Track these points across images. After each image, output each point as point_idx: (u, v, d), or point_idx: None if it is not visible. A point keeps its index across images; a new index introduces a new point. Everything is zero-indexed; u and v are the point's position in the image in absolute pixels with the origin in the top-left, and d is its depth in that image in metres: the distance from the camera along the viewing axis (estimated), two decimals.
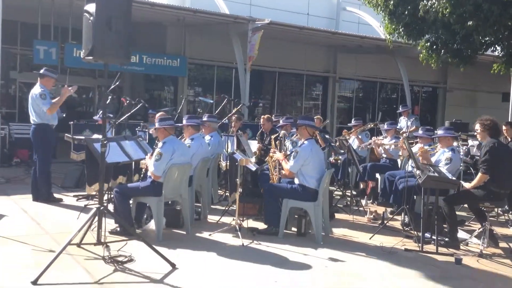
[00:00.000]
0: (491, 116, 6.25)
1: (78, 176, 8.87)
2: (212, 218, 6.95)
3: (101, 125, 5.18)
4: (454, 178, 6.23)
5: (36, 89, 7.37)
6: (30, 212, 6.86)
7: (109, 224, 5.49)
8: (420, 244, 5.84)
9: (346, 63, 19.57)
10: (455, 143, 7.60)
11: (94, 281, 4.44)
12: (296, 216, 6.40)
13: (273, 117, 10.06)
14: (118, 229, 5.79)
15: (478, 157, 7.79)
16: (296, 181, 6.26)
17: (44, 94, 7.30)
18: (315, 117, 10.34)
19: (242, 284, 4.65)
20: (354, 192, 8.60)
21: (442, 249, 5.82)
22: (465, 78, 20.20)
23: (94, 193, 6.76)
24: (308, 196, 6.09)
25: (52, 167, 7.75)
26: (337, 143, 9.33)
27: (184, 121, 7.09)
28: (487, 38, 11.00)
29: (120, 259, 4.89)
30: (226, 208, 7.05)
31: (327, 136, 9.09)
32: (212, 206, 7.51)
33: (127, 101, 8.10)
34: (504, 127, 8.50)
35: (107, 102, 7.58)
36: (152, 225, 6.09)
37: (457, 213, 6.57)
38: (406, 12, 10.83)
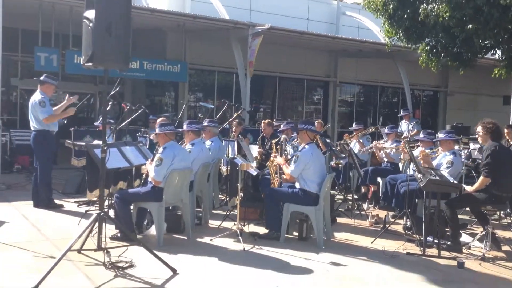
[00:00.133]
0: (493, 119, 6.25)
1: (79, 182, 8.87)
2: (213, 223, 6.93)
3: (101, 131, 5.18)
4: (455, 182, 6.21)
5: (36, 96, 7.39)
6: (31, 218, 6.86)
7: (110, 229, 5.48)
8: (422, 248, 5.82)
9: (346, 68, 19.60)
10: (456, 147, 7.59)
11: (95, 287, 4.43)
12: (297, 220, 6.38)
13: (274, 122, 10.06)
14: (119, 234, 5.78)
15: (479, 160, 7.79)
16: (297, 185, 6.25)
17: (43, 102, 7.30)
18: (316, 121, 10.37)
19: None
20: (355, 196, 8.61)
21: (444, 253, 5.79)
22: (466, 82, 20.21)
23: (94, 199, 6.75)
24: (309, 200, 6.08)
25: (53, 173, 7.75)
26: (338, 147, 9.33)
27: (185, 126, 7.10)
28: (487, 42, 11.02)
29: (120, 264, 4.88)
30: (227, 213, 7.03)
31: (328, 141, 9.08)
32: (213, 211, 7.51)
33: (128, 107, 8.11)
34: (505, 130, 8.51)
35: (108, 108, 7.61)
36: (153, 230, 6.08)
37: (459, 216, 6.56)
38: (405, 16, 10.85)
